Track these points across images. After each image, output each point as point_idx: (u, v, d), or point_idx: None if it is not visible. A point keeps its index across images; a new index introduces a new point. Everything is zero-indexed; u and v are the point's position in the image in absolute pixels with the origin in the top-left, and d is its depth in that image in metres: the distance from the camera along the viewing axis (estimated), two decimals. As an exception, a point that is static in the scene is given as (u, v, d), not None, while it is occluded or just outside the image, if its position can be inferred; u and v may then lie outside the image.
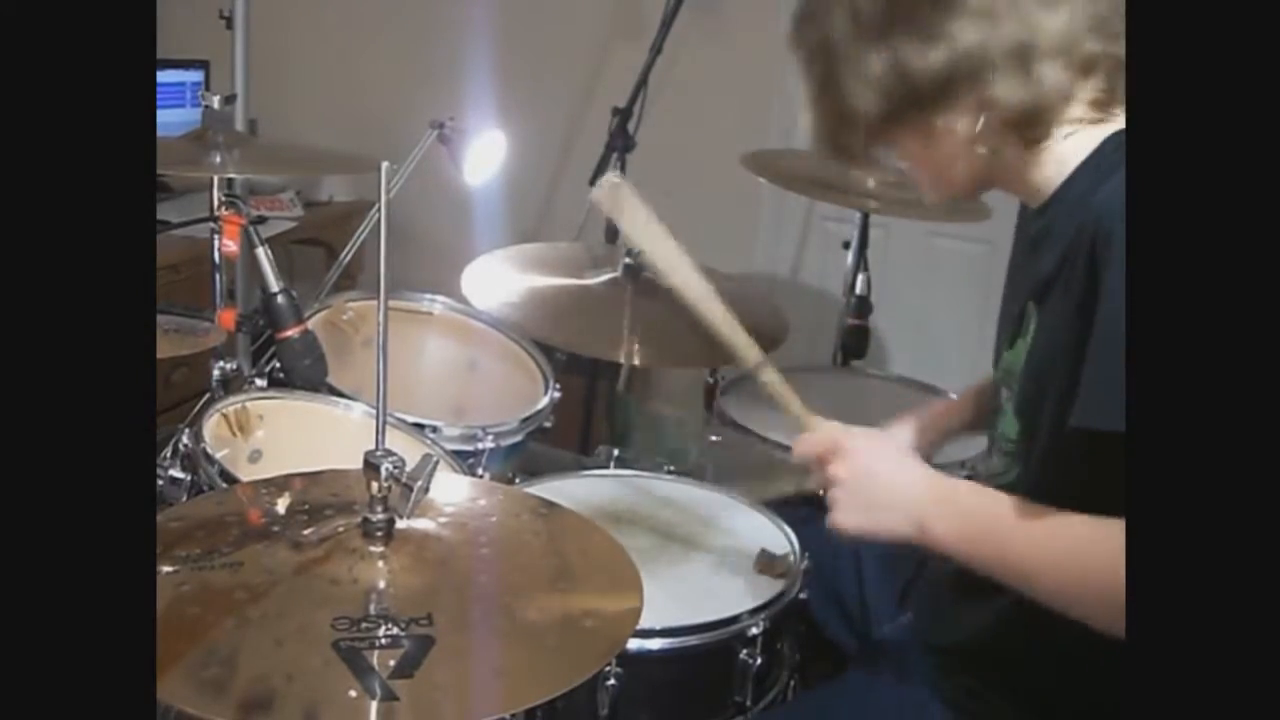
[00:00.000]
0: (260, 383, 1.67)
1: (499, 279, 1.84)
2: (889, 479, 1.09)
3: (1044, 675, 1.09)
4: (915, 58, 0.98)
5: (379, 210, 0.97)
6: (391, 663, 0.84)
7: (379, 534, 0.97)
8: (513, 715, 1.08)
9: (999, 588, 1.02)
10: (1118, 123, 1.01)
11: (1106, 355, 0.89)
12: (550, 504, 1.14)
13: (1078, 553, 0.94)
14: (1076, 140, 1.02)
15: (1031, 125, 1.00)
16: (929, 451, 1.34)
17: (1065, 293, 0.99)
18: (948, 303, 2.91)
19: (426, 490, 0.98)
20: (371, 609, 0.90)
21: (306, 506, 1.04)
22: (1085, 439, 0.90)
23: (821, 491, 1.13)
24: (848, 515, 1.08)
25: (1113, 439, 0.79)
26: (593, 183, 2.44)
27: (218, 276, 1.69)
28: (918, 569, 1.34)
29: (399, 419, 1.60)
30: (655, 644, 1.25)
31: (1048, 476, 1.03)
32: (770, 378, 1.24)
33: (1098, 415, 0.90)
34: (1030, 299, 1.07)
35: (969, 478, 1.67)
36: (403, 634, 0.87)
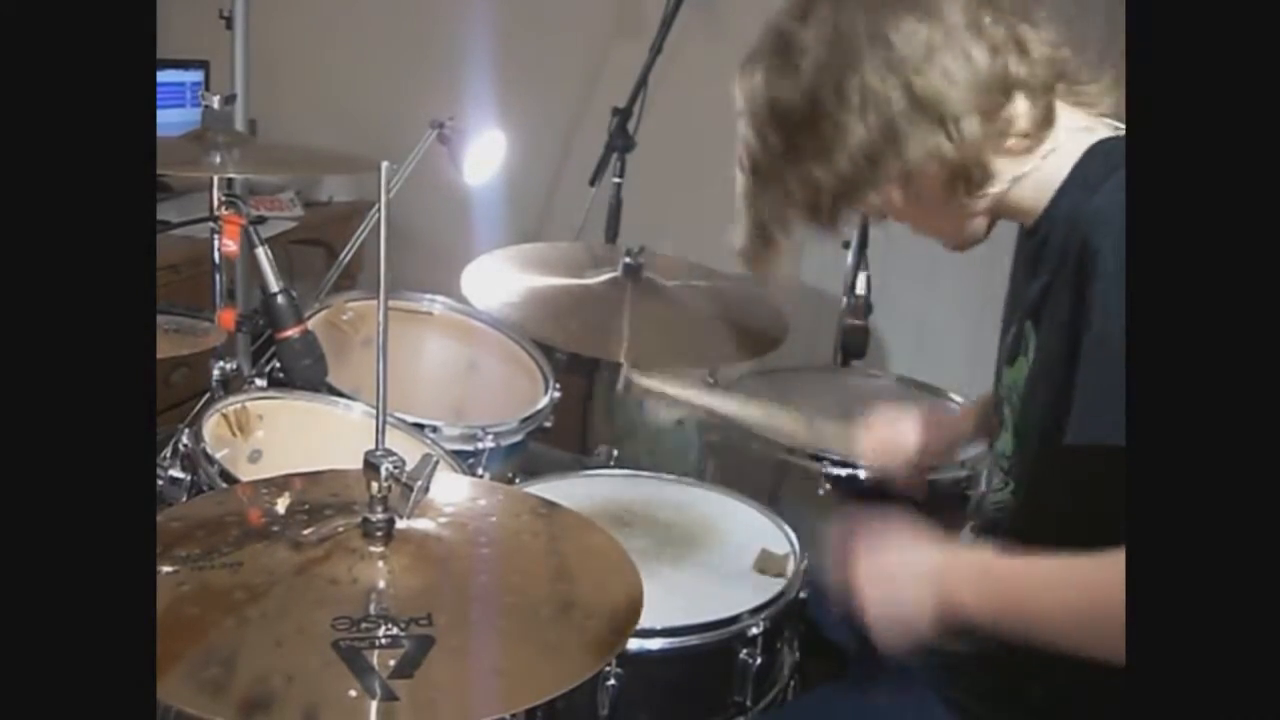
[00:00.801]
0: (260, 383, 1.67)
1: (499, 279, 1.84)
2: (904, 571, 1.05)
3: (1045, 677, 1.09)
4: (822, 173, 1.02)
5: (379, 210, 0.97)
6: (391, 663, 0.84)
7: (379, 534, 0.97)
8: (513, 715, 1.08)
9: None
10: (1097, 133, 1.01)
11: (1098, 369, 0.89)
12: (550, 504, 1.14)
13: (1087, 588, 0.91)
14: (1058, 157, 1.02)
15: (966, 176, 1.01)
16: (940, 456, 1.34)
17: (1056, 309, 0.99)
18: (948, 303, 2.91)
19: (426, 490, 0.98)
20: (371, 609, 0.90)
21: (306, 506, 1.04)
22: (1083, 454, 0.89)
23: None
24: (881, 619, 1.05)
25: (1109, 452, 0.78)
26: (593, 183, 2.44)
27: (218, 276, 1.69)
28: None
29: (399, 419, 1.60)
30: (655, 644, 1.25)
31: (1043, 492, 1.03)
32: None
33: (1094, 429, 0.89)
34: (1027, 318, 1.07)
35: (968, 478, 1.68)
36: (402, 634, 0.87)
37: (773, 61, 1.03)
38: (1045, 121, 1.01)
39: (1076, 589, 0.93)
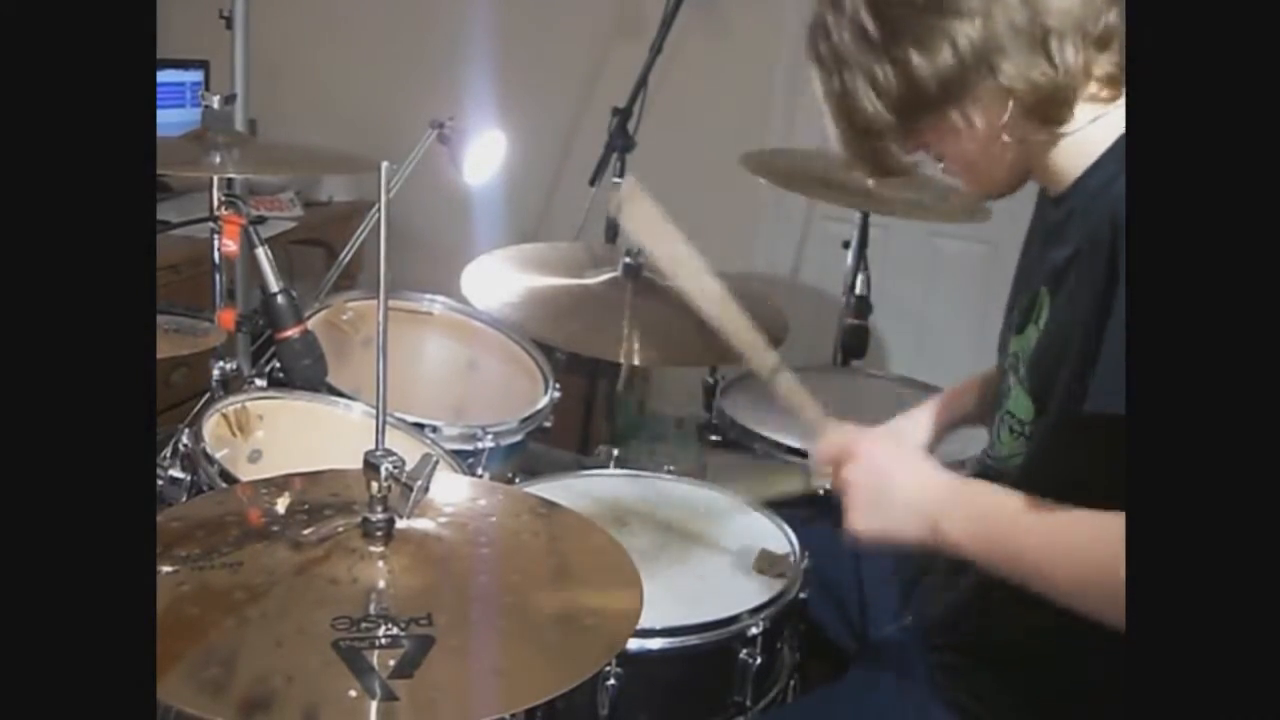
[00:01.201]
0: (260, 383, 1.67)
1: (499, 279, 1.84)
2: (902, 481, 1.08)
3: (1046, 678, 1.09)
4: (922, 64, 0.99)
5: (379, 210, 0.97)
6: (391, 663, 0.84)
7: (379, 534, 0.97)
8: (513, 715, 1.08)
9: (1000, 588, 1.01)
10: None
11: (1123, 342, 0.89)
12: (550, 504, 1.14)
13: (1089, 547, 0.93)
14: (1102, 126, 1.02)
15: (1052, 108, 1.00)
16: (936, 440, 1.34)
17: (1082, 278, 0.99)
18: (948, 303, 2.91)
19: (426, 490, 0.98)
20: (371, 609, 0.90)
21: (306, 506, 1.04)
22: (1100, 423, 0.89)
23: (834, 493, 1.13)
24: (862, 519, 1.08)
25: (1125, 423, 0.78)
26: (593, 183, 2.44)
27: (218, 276, 1.69)
28: (919, 571, 1.34)
29: (399, 419, 1.60)
30: (655, 644, 1.25)
31: (1057, 459, 1.03)
32: (786, 382, 1.23)
33: (1116, 399, 0.89)
34: (1044, 285, 1.07)
35: (980, 467, 1.68)
36: (402, 634, 0.87)
37: None
38: (1121, 75, 1.00)
39: (1077, 540, 0.94)
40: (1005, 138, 1.02)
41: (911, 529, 1.05)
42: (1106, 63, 1.00)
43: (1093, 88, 1.00)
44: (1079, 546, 0.95)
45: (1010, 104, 1.00)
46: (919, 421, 1.36)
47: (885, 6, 1.00)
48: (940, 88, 1.00)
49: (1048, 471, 1.03)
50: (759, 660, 1.28)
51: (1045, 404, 1.06)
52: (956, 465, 1.66)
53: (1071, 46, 0.97)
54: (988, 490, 1.06)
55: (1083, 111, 1.01)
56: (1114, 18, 0.98)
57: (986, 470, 1.18)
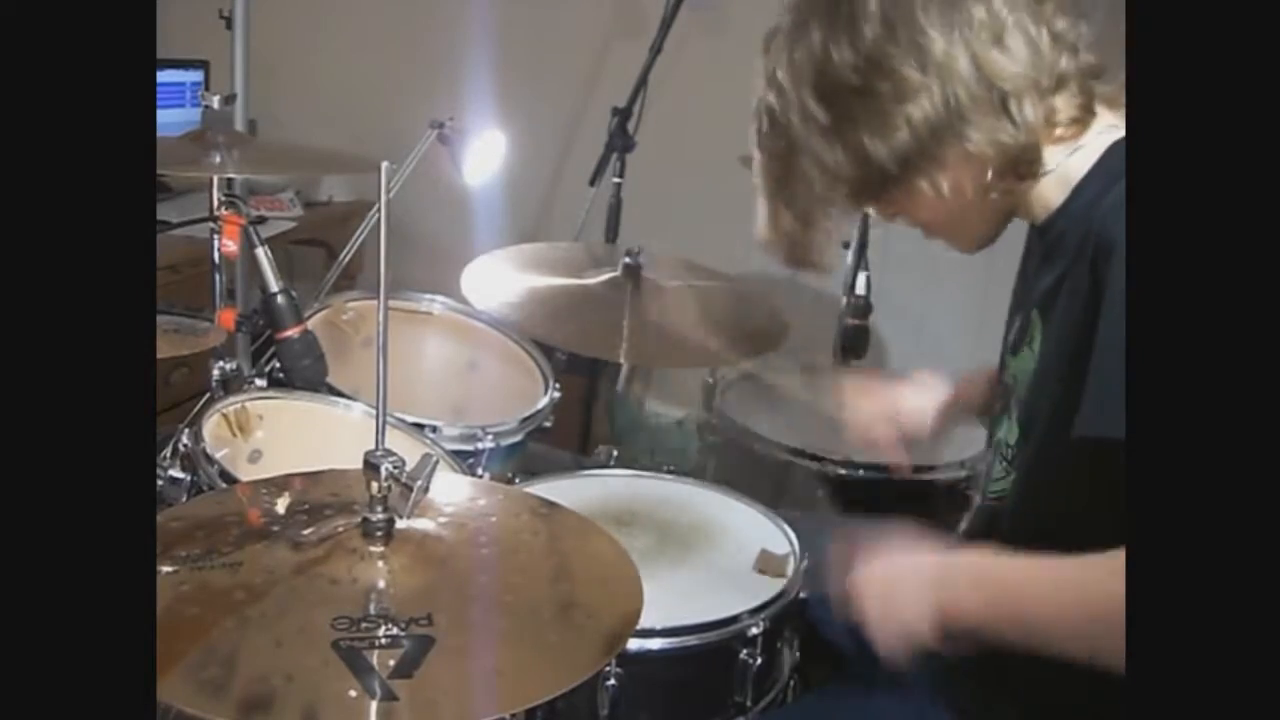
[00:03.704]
0: (260, 383, 1.67)
1: (499, 279, 1.84)
2: (903, 578, 1.05)
3: (1047, 680, 1.09)
4: (878, 147, 0.98)
5: (379, 210, 0.97)
6: (391, 663, 0.84)
7: (379, 534, 0.97)
8: (512, 715, 1.08)
9: None
10: (1118, 131, 1.01)
11: (1111, 365, 0.89)
12: (550, 504, 1.14)
13: (1087, 592, 0.90)
14: (1080, 156, 1.02)
15: (1021, 164, 1.00)
16: (941, 426, 1.35)
17: (1068, 302, 0.99)
18: (948, 303, 2.91)
19: (426, 490, 0.98)
20: (371, 609, 0.90)
21: (306, 506, 1.04)
22: (1087, 448, 0.89)
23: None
24: (880, 627, 1.04)
25: (1115, 448, 0.78)
26: (593, 183, 2.44)
27: (217, 276, 1.69)
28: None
29: (399, 419, 1.60)
30: (655, 644, 1.25)
31: (1043, 485, 1.03)
32: None
33: (1102, 424, 0.89)
34: (1035, 308, 1.07)
35: (968, 478, 1.68)
36: (402, 634, 0.87)
37: (832, 23, 0.98)
38: (1087, 113, 1.01)
39: (1076, 593, 0.92)
40: (991, 194, 1.02)
41: (924, 618, 1.02)
42: (1067, 106, 1.00)
43: (1059, 131, 1.00)
44: (1076, 590, 0.92)
45: (980, 166, 0.99)
46: (924, 404, 1.36)
47: (832, 94, 0.98)
48: (900, 165, 0.99)
49: (1035, 496, 1.03)
50: (759, 660, 1.28)
51: (1031, 430, 1.05)
52: (956, 465, 1.68)
53: (1029, 104, 0.97)
54: (982, 557, 1.03)
55: (1055, 153, 1.01)
56: (1065, 62, 0.98)
57: (985, 509, 1.17)
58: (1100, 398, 0.90)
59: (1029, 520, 1.04)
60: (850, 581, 1.09)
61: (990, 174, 1.00)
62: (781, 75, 1.02)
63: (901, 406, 1.41)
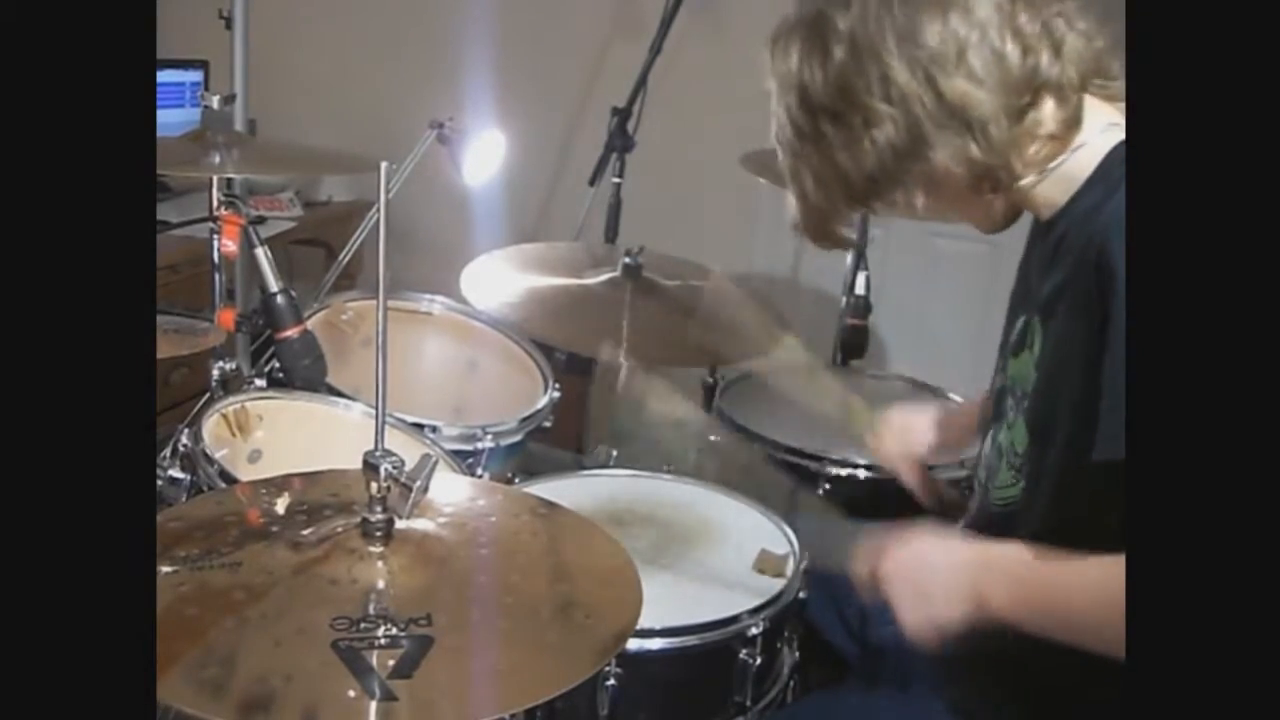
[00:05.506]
0: (260, 383, 1.67)
1: (499, 279, 1.84)
2: (937, 564, 1.06)
3: (1048, 681, 1.09)
4: (849, 163, 1.01)
5: (379, 210, 0.97)
6: (390, 663, 0.84)
7: (378, 534, 0.97)
8: (512, 715, 1.08)
9: None
10: (1121, 131, 1.01)
11: (1123, 387, 0.88)
12: (550, 504, 1.14)
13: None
14: (1085, 153, 1.01)
15: (993, 178, 1.00)
16: (946, 451, 1.34)
17: (1072, 309, 0.98)
18: (948, 303, 2.91)
19: (426, 490, 0.98)
20: (371, 609, 0.90)
21: (306, 506, 1.04)
22: (1108, 470, 0.88)
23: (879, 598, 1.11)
24: (909, 611, 1.05)
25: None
26: (593, 183, 2.44)
27: (217, 276, 1.69)
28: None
29: (398, 419, 1.60)
30: (655, 644, 1.24)
31: (1063, 503, 1.02)
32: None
33: (1120, 446, 0.88)
34: (1035, 313, 1.06)
35: (968, 478, 1.68)
36: (402, 634, 0.87)
37: (808, 43, 1.01)
38: (1073, 122, 1.00)
39: (1115, 588, 0.92)
40: (965, 200, 1.04)
41: (956, 606, 1.02)
42: (1053, 116, 0.99)
43: (1052, 136, 1.00)
44: (1114, 595, 0.87)
45: (953, 181, 1.00)
46: (923, 424, 1.36)
47: (808, 111, 1.02)
48: (873, 181, 1.02)
49: (1052, 508, 1.02)
50: (759, 660, 1.28)
51: (1044, 441, 1.05)
52: (956, 465, 1.67)
53: (997, 127, 0.97)
54: (1021, 551, 1.03)
55: (1054, 153, 1.01)
56: (1046, 68, 0.97)
57: (994, 514, 1.16)
58: (1118, 419, 0.89)
59: (1041, 527, 1.04)
60: (881, 564, 1.09)
61: (964, 187, 1.01)
62: (776, 81, 1.05)
63: (928, 442, 1.41)
